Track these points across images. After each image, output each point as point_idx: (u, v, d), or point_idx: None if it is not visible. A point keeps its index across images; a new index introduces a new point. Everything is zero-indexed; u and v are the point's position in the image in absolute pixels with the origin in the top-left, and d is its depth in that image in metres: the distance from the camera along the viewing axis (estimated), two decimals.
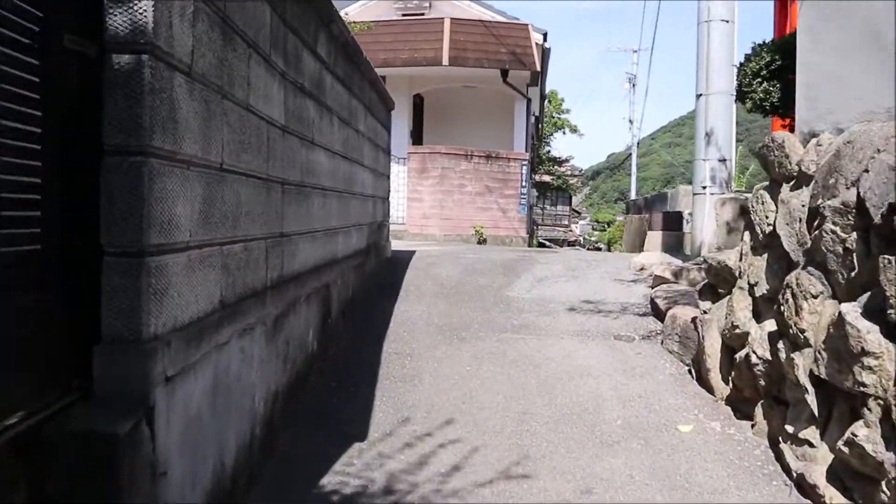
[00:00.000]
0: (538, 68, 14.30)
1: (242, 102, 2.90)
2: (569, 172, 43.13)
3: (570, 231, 48.73)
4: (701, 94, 7.17)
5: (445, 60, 13.99)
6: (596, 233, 60.77)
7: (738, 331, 4.28)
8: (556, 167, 38.42)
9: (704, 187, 7.17)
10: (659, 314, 6.15)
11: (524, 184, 14.75)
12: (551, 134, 35.20)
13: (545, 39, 15.12)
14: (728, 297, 4.79)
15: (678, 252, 10.24)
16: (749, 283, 4.31)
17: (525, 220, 14.92)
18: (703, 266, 6.64)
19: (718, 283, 4.90)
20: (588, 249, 48.79)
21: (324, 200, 4.76)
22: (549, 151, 37.41)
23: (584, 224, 67.37)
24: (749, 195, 7.34)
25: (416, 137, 16.69)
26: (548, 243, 30.33)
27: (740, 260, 4.57)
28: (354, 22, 13.16)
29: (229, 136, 2.74)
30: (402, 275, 7.74)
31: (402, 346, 5.45)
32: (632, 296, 6.98)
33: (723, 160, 7.15)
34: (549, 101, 31.95)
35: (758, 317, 4.22)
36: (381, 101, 7.82)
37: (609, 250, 42.20)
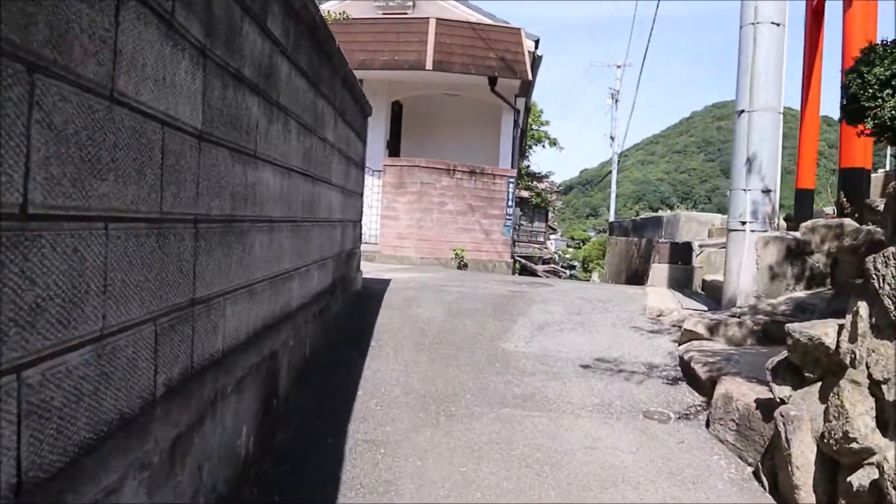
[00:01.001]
0: (529, 77, 13.06)
1: (96, 85, 1.56)
2: (548, 188, 42.15)
3: (546, 248, 47.77)
4: (743, 111, 5.97)
5: (429, 64, 12.67)
6: (571, 250, 60.02)
7: (854, 445, 3.01)
8: (535, 183, 37.35)
9: (744, 223, 5.96)
10: (697, 383, 4.89)
11: (510, 203, 13.48)
12: (530, 147, 34.11)
13: (537, 46, 13.89)
14: (819, 383, 3.55)
15: (687, 289, 9.04)
16: (871, 378, 3.05)
17: (510, 244, 13.65)
18: (748, 319, 5.40)
19: (805, 363, 3.64)
20: (563, 267, 47.95)
21: (271, 237, 3.41)
22: (528, 166, 36.38)
23: (558, 240, 66.64)
24: (796, 234, 6.16)
25: (394, 149, 15.32)
26: (524, 261, 29.21)
27: (850, 341, 3.30)
28: (331, 12, 11.83)
29: (56, 150, 1.40)
30: (374, 316, 6.39)
31: (374, 427, 4.10)
32: (655, 352, 5.71)
33: (767, 191, 5.95)
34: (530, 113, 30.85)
35: (884, 427, 2.97)
36: (357, 105, 6.50)
37: (584, 268, 41.25)
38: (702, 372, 4.84)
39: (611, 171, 40.41)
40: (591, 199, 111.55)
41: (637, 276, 16.87)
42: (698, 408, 4.69)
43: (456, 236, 12.88)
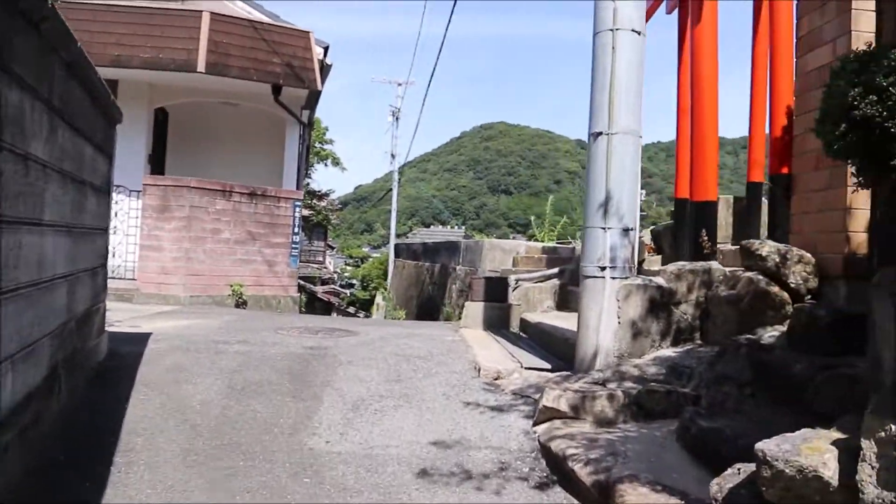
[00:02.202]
0: (319, 87, 11.54)
1: None
2: (328, 206, 40.62)
3: (325, 267, 46.20)
4: (601, 134, 4.98)
5: (201, 66, 10.67)
6: (349, 268, 58.89)
7: None
8: (315, 201, 35.67)
9: (603, 268, 4.95)
10: (578, 489, 3.71)
11: (296, 230, 11.83)
12: (313, 165, 32.44)
13: (326, 54, 12.41)
14: None
15: (505, 329, 8.05)
16: None
17: (296, 276, 11.98)
18: (617, 389, 4.34)
19: (787, 501, 2.52)
20: (342, 286, 46.52)
21: None
22: (308, 184, 34.65)
23: (336, 258, 65.22)
24: (660, 281, 5.29)
25: (157, 165, 12.91)
26: (303, 282, 27.44)
27: (882, 485, 2.21)
28: None
29: None
30: (122, 405, 4.53)
31: None
32: (508, 438, 4.48)
33: (627, 231, 5.01)
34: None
35: None
36: (96, 107, 4.61)
37: (364, 287, 40.18)
38: (584, 474, 3.65)
39: (389, 189, 39.53)
40: (366, 214, 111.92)
41: (432, 305, 15.93)
42: None
43: (234, 269, 10.96)
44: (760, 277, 4.58)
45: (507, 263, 10.87)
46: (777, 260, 4.56)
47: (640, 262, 8.36)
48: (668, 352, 4.93)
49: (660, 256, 8.55)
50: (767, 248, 4.63)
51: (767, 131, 6.04)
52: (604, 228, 4.95)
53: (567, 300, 8.34)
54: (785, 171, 5.82)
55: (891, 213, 3.07)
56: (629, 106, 4.98)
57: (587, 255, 5.06)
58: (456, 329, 8.26)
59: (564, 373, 5.22)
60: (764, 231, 8.41)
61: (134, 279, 10.51)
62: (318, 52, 11.95)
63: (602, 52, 4.99)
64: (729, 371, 4.40)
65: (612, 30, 4.96)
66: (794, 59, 6.06)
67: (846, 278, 4.41)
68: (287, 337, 7.12)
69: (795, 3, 5.95)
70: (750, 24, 6.47)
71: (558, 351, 6.01)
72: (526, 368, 5.62)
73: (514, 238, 32.92)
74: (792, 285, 4.52)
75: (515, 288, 8.54)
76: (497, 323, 8.17)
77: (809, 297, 4.57)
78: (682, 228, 8.27)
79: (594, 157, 5.05)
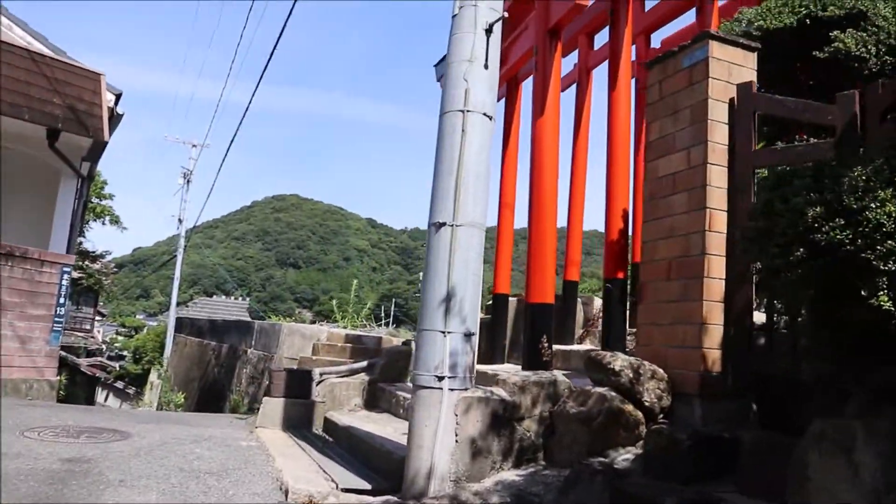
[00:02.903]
0: (106, 137, 10.08)
1: None
2: (103, 269, 36.76)
3: (92, 336, 41.55)
4: (444, 224, 4.40)
5: None
6: (121, 338, 53.53)
7: None
8: (88, 262, 32.03)
9: (441, 378, 4.29)
10: None
11: (62, 300, 10.04)
12: (88, 223, 29.17)
13: (118, 101, 10.97)
14: None
15: (307, 430, 7.08)
16: None
17: (56, 354, 10.08)
18: None
19: None
20: (110, 358, 41.96)
21: None
22: (81, 243, 31.11)
23: (107, 326, 59.13)
24: (503, 394, 4.71)
25: None
26: (64, 354, 24.15)
27: None
28: None
29: None
30: None
31: None
32: None
33: (469, 335, 4.42)
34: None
35: None
36: None
37: (136, 360, 36.43)
38: None
39: (173, 254, 36.47)
40: (144, 279, 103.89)
41: (217, 390, 14.32)
42: None
43: None
44: (614, 394, 4.18)
45: (307, 350, 9.92)
46: (631, 376, 4.20)
47: None
48: (510, 475, 4.34)
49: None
50: (620, 361, 4.26)
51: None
52: (444, 332, 4.32)
53: (377, 398, 7.58)
54: (620, 275, 5.66)
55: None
56: (477, 196, 4.49)
57: (422, 362, 4.38)
58: (251, 429, 7.14)
59: (391, 498, 4.42)
60: (578, 331, 8.36)
61: None
62: (108, 98, 10.52)
63: (450, 134, 4.49)
64: (582, 500, 3.88)
65: (462, 111, 4.49)
66: (627, 163, 6.01)
67: (701, 397, 4.12)
68: (37, 443, 5.63)
69: (632, 106, 5.98)
70: (572, 120, 6.39)
71: (378, 465, 5.21)
72: (343, 490, 4.74)
73: (315, 322, 31.66)
74: (646, 404, 4.16)
75: (320, 382, 7.63)
76: (299, 422, 7.19)
77: (662, 416, 4.24)
78: (498, 326, 7.95)
79: (435, 250, 4.46)
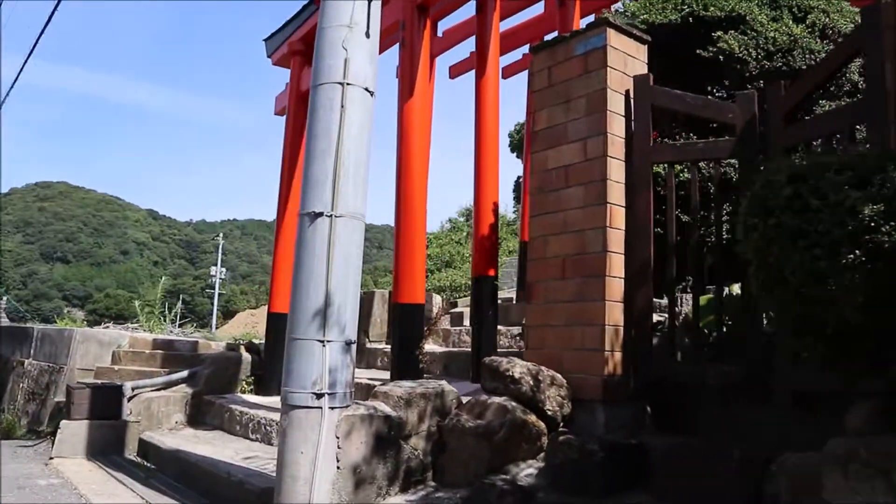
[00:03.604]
0: None
1: None
2: None
3: None
4: (321, 215, 3.75)
5: None
6: None
7: None
8: None
9: (320, 396, 3.66)
10: None
11: None
12: None
13: None
14: None
15: (119, 456, 6.02)
16: None
17: None
18: None
19: None
20: None
21: None
22: None
23: None
24: (386, 409, 4.14)
25: None
26: None
27: None
28: None
29: None
30: None
31: None
32: None
33: (349, 344, 3.83)
34: None
35: None
36: None
37: None
38: None
39: None
40: None
41: None
42: None
43: None
44: (515, 405, 3.82)
45: (106, 359, 8.54)
46: (531, 383, 3.86)
47: None
48: (398, 500, 3.82)
49: None
50: (519, 368, 3.91)
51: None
52: (322, 342, 3.69)
53: (204, 414, 6.63)
54: (492, 272, 5.33)
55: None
56: (357, 182, 3.91)
57: (295, 376, 3.71)
58: (45, 460, 5.90)
59: None
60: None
61: None
62: None
63: (327, 110, 3.85)
64: None
65: (342, 83, 3.87)
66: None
67: (604, 402, 3.90)
68: None
69: (497, 89, 5.68)
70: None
71: (227, 498, 4.43)
72: None
73: (107, 326, 28.22)
74: (549, 413, 3.86)
75: (132, 398, 6.54)
76: (109, 448, 6.08)
77: (562, 424, 3.96)
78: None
79: (309, 245, 3.80)
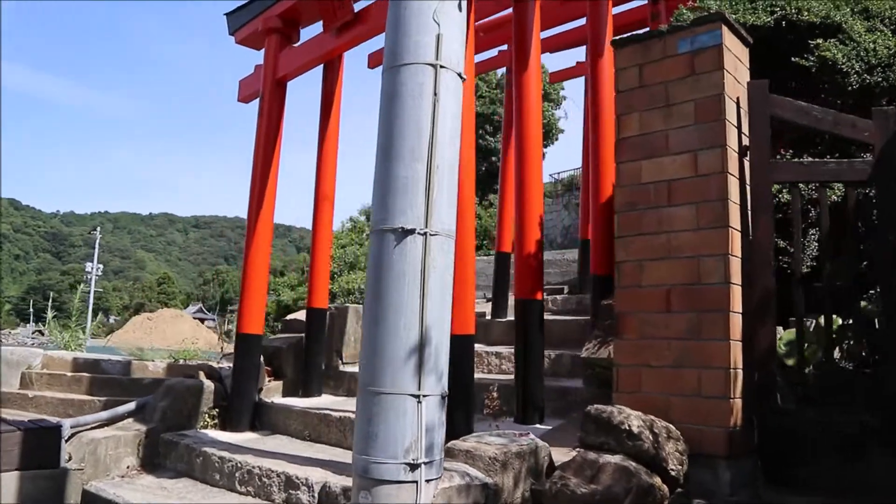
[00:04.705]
0: None
1: None
2: None
3: None
4: (412, 232, 2.94)
5: None
6: None
7: None
8: None
9: (415, 466, 2.87)
10: None
11: None
12: None
13: None
14: None
15: None
16: None
17: None
18: None
19: None
20: None
21: None
22: None
23: None
24: (481, 476, 3.36)
25: None
26: None
27: None
28: None
29: None
30: None
31: None
32: None
33: (444, 398, 3.06)
34: None
35: None
36: None
37: None
38: None
39: None
40: None
41: None
42: None
43: None
44: (637, 466, 3.21)
45: (13, 383, 7.16)
46: (651, 439, 3.27)
47: (259, 391, 6.25)
48: None
49: (280, 383, 6.52)
50: (636, 420, 3.31)
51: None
52: (417, 396, 2.93)
53: (162, 456, 5.49)
54: (539, 296, 4.68)
55: None
56: (451, 192, 3.16)
57: (381, 441, 2.91)
58: None
59: None
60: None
61: None
62: None
63: (414, 98, 3.06)
64: None
65: (434, 66, 3.10)
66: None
67: (728, 458, 3.37)
68: None
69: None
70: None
71: None
72: None
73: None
74: (672, 473, 3.28)
75: (70, 438, 5.38)
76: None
77: (679, 486, 3.39)
78: (316, 344, 6.49)
79: (394, 271, 2.99)
